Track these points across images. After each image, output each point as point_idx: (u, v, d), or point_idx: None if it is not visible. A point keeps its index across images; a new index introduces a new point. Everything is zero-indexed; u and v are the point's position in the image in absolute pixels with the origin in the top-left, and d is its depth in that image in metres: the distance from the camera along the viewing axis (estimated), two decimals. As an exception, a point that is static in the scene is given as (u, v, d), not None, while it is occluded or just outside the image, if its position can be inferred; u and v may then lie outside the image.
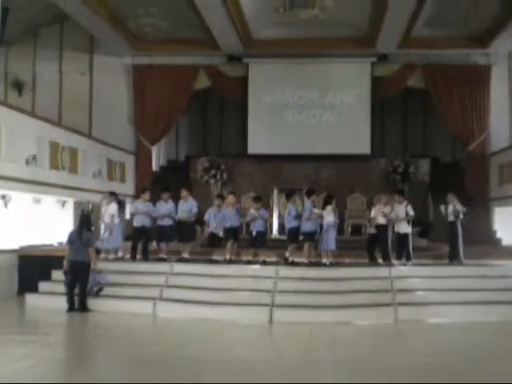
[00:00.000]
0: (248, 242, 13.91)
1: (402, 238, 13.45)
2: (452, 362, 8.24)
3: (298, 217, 13.46)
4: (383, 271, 12.74)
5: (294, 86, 20.14)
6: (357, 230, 17.94)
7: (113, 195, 14.53)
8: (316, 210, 13.33)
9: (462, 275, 12.80)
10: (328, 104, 20.08)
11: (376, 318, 11.12)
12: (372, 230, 13.84)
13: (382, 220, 13.55)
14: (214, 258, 13.76)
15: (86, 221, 12.31)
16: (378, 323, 10.94)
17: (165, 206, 14.06)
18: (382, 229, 13.54)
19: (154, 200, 14.31)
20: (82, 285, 11.82)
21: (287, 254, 13.42)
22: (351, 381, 7.24)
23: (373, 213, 13.82)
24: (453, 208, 13.81)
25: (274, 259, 13.84)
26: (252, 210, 13.89)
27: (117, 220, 14.23)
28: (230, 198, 14.03)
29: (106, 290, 12.29)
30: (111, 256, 14.06)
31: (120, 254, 14.14)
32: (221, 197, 14.56)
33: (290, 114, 20.22)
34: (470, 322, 10.91)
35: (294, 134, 20.00)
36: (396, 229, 13.56)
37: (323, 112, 20.05)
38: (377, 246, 13.64)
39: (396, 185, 18.65)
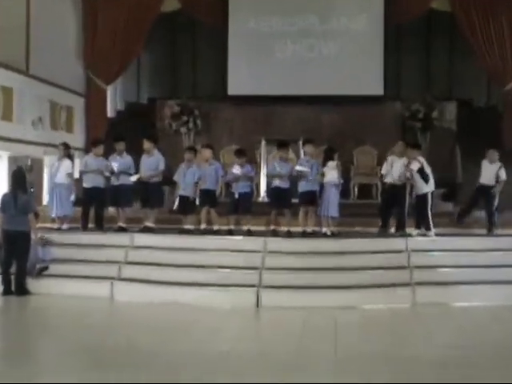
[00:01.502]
0: (229, 207, 13.90)
1: (420, 201, 13.48)
2: (488, 356, 8.32)
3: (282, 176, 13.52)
4: (398, 243, 12.81)
5: (286, 9, 19.98)
6: (366, 191, 17.99)
7: (67, 148, 14.38)
8: (299, 168, 13.36)
9: (495, 248, 12.90)
10: (330, 32, 19.95)
11: (389, 301, 11.22)
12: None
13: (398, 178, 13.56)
14: (186, 227, 13.74)
15: (21, 181, 12.23)
16: (391, 307, 11.04)
17: (119, 161, 13.93)
18: (398, 189, 13.57)
19: (110, 154, 14.22)
20: (20, 261, 11.80)
21: (272, 226, 13.55)
22: None
23: (384, 169, 13.87)
24: (497, 169, 13.89)
25: (261, 228, 13.90)
26: (234, 168, 13.87)
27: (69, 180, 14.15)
28: (207, 153, 13.97)
29: (51, 268, 12.29)
30: (63, 225, 14.00)
31: (65, 227, 14.04)
32: (191, 149, 14.37)
33: (282, 45, 20.10)
34: (505, 306, 11.03)
35: (286, 71, 19.89)
36: (414, 190, 13.57)
37: (324, 42, 19.92)
38: (392, 212, 13.70)
39: (415, 134, 18.65)
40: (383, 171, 13.96)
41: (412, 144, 14.28)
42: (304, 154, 14.04)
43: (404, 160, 13.54)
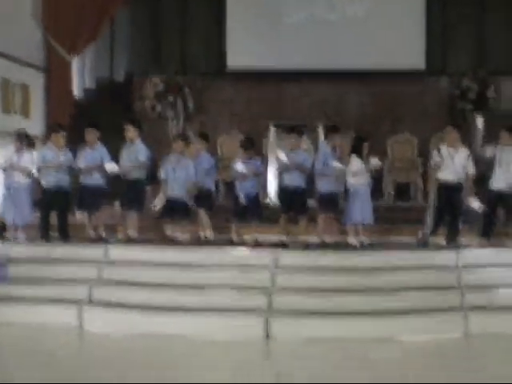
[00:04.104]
0: (232, 212, 13.91)
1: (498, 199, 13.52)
2: None
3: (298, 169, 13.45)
4: (446, 256, 12.77)
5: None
6: (403, 191, 17.95)
7: (25, 139, 14.32)
8: (336, 163, 13.26)
9: None
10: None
11: (435, 331, 11.10)
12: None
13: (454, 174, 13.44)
14: (175, 235, 13.68)
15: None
16: (438, 339, 10.91)
17: (91, 154, 13.90)
18: (457, 189, 13.46)
19: (75, 144, 14.14)
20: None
21: (286, 238, 13.52)
22: None
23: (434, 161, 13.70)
24: None
25: (270, 238, 13.83)
26: (238, 163, 13.78)
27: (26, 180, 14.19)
28: (203, 143, 13.94)
29: (3, 290, 12.22)
30: (18, 235, 14.06)
31: (21, 237, 14.07)
32: (182, 137, 14.33)
33: (295, 6, 20.08)
34: None
35: (300, 38, 19.88)
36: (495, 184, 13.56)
37: (349, 2, 19.90)
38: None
39: (464, 117, 18.60)
40: (434, 162, 13.69)
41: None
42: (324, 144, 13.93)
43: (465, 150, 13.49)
